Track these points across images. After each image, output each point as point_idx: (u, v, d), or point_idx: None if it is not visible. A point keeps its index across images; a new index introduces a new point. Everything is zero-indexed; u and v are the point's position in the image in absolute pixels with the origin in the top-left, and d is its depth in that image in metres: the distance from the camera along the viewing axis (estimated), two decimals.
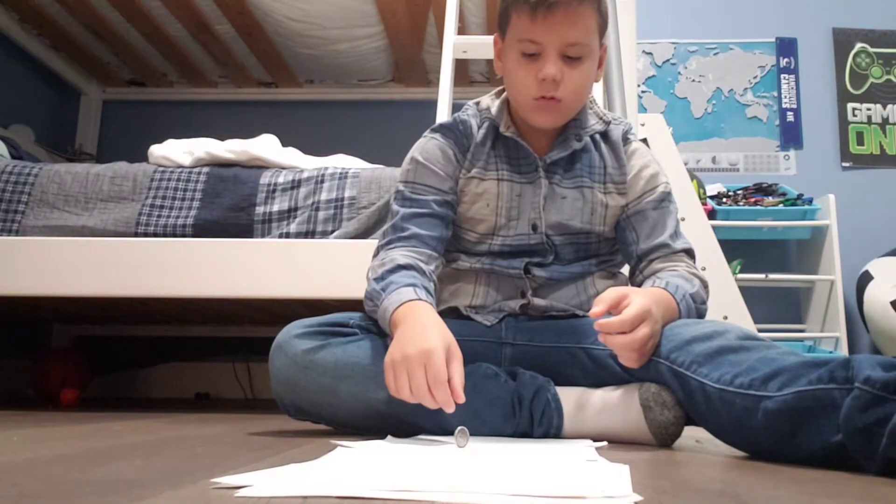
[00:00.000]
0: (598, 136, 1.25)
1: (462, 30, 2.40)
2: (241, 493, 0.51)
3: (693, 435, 1.18)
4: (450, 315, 1.22)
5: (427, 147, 1.24)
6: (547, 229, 1.21)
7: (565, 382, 1.10)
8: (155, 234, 1.78)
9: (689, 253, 1.22)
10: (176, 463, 0.72)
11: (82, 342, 2.77)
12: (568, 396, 1.06)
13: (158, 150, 1.96)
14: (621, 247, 1.26)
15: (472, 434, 0.97)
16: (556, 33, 1.11)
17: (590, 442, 0.97)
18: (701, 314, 1.15)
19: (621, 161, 1.25)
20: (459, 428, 0.88)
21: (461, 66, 2.94)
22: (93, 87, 3.21)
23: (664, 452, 0.93)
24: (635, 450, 0.94)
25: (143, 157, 2.00)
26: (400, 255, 1.14)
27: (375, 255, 1.19)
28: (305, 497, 0.50)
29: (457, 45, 1.87)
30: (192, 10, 2.60)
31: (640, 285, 1.20)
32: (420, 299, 1.04)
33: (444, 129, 1.25)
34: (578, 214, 1.22)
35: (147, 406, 2.02)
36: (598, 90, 1.78)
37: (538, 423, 1.03)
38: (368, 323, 1.13)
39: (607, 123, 1.26)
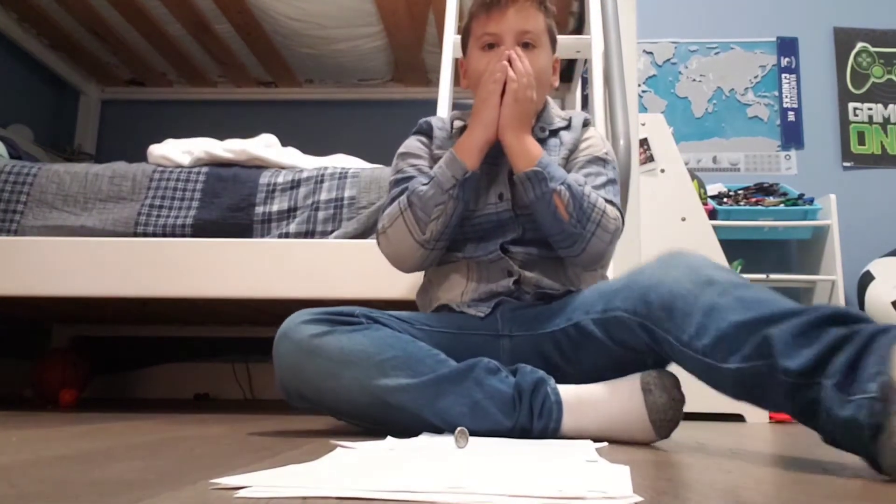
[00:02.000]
0: (560, 132, 1.36)
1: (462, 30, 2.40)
2: (240, 493, 0.51)
3: (693, 435, 1.18)
4: (444, 311, 1.26)
5: (406, 143, 1.40)
6: (513, 200, 1.27)
7: (563, 367, 1.13)
8: (154, 234, 1.78)
9: (613, 205, 1.26)
10: (176, 463, 0.71)
11: (82, 342, 2.77)
12: (568, 389, 1.07)
13: (157, 150, 1.96)
14: None
15: (473, 427, 0.99)
16: (509, 24, 1.31)
17: (590, 442, 0.97)
18: (577, 198, 1.19)
19: (579, 139, 1.36)
20: (459, 428, 0.88)
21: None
22: (92, 87, 3.21)
23: (664, 453, 0.93)
24: (635, 450, 0.93)
25: (142, 156, 1.99)
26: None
27: (382, 215, 1.31)
28: (305, 497, 0.50)
29: (457, 44, 1.86)
30: (192, 10, 2.60)
31: None
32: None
33: (416, 130, 1.42)
34: None
35: (147, 406, 2.02)
36: (598, 99, 1.78)
37: (538, 415, 1.04)
38: (373, 313, 1.15)
39: (568, 119, 1.38)
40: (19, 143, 2.46)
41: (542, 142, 1.32)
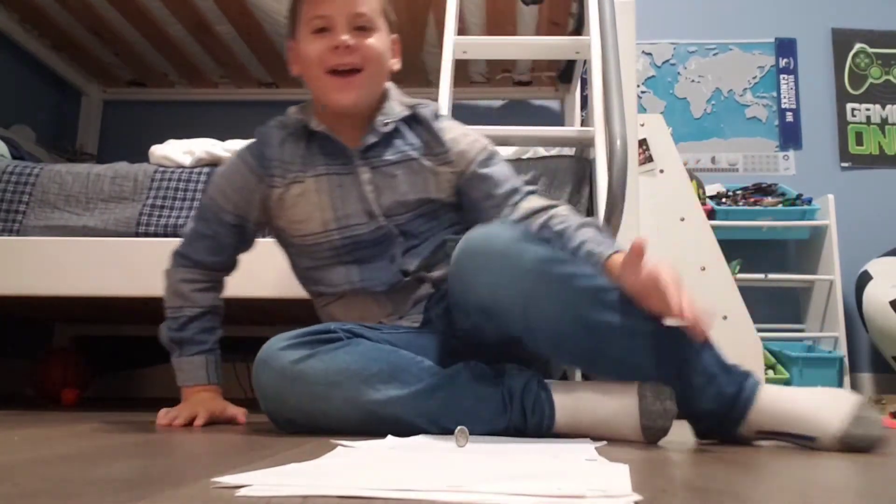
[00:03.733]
0: (408, 122, 1.31)
1: (462, 30, 2.40)
2: (241, 492, 0.51)
3: (692, 434, 1.19)
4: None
5: (230, 167, 1.31)
6: (385, 212, 1.24)
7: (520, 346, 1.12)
8: (156, 234, 1.78)
9: (534, 192, 1.30)
10: (176, 463, 0.72)
11: (82, 342, 2.77)
12: (560, 386, 1.07)
13: (159, 151, 1.96)
14: (474, 209, 1.29)
15: (468, 431, 0.98)
16: (341, 5, 1.21)
17: (589, 441, 0.97)
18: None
19: (436, 136, 1.30)
20: (459, 428, 0.88)
21: (461, 67, 2.94)
22: (93, 88, 3.21)
23: (664, 452, 0.93)
24: (635, 449, 0.94)
25: (143, 157, 2.00)
26: (194, 291, 1.33)
27: (173, 261, 1.36)
28: (305, 497, 0.50)
29: (457, 45, 1.87)
30: (193, 11, 2.60)
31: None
32: (208, 384, 1.31)
33: (249, 149, 1.30)
34: (412, 188, 1.26)
35: (148, 405, 2.02)
36: (598, 100, 1.77)
37: (531, 413, 1.03)
38: (350, 327, 1.13)
39: (412, 108, 1.32)
40: (21, 144, 2.46)
41: (392, 138, 1.28)
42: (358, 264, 1.25)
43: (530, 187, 1.30)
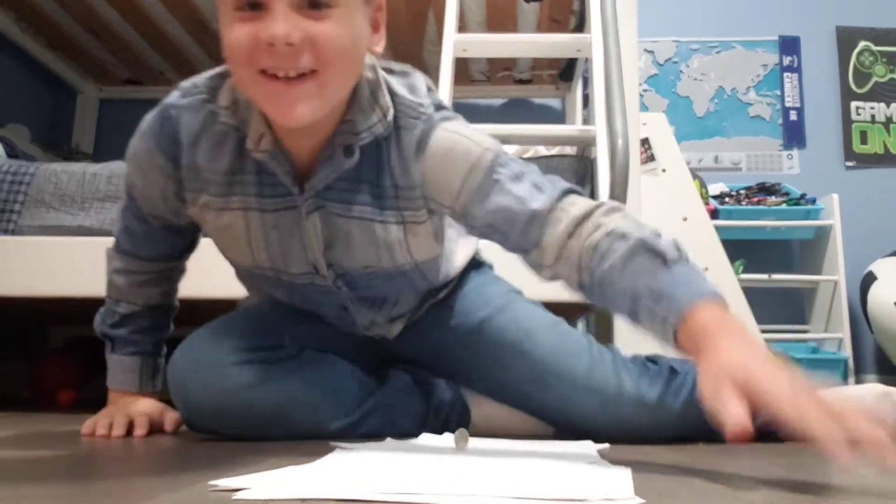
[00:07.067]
0: (387, 140, 0.90)
1: (462, 28, 2.39)
2: (239, 495, 0.51)
3: (694, 437, 1.18)
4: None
5: (144, 167, 0.98)
6: (334, 267, 0.97)
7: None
8: None
9: (567, 192, 0.87)
10: (174, 465, 0.71)
11: (79, 343, 2.76)
12: (480, 407, 1.11)
13: None
14: (497, 238, 0.91)
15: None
16: None
17: (591, 443, 0.96)
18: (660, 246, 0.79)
19: (411, 181, 0.90)
20: (459, 430, 0.87)
21: (461, 65, 2.93)
22: (89, 86, 3.21)
23: (665, 455, 0.92)
24: (637, 452, 0.93)
25: None
26: (131, 286, 1.08)
27: (113, 244, 1.10)
28: (304, 499, 0.50)
29: (457, 43, 1.86)
30: (190, 8, 2.60)
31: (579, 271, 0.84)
32: (139, 391, 1.08)
33: (158, 139, 0.96)
34: (373, 255, 0.96)
35: None
36: (600, 99, 1.76)
37: (454, 425, 1.06)
38: (299, 333, 1.05)
39: (393, 119, 0.89)
40: (16, 143, 2.46)
41: (355, 173, 0.89)
42: (302, 300, 1.06)
43: (551, 190, 0.87)
